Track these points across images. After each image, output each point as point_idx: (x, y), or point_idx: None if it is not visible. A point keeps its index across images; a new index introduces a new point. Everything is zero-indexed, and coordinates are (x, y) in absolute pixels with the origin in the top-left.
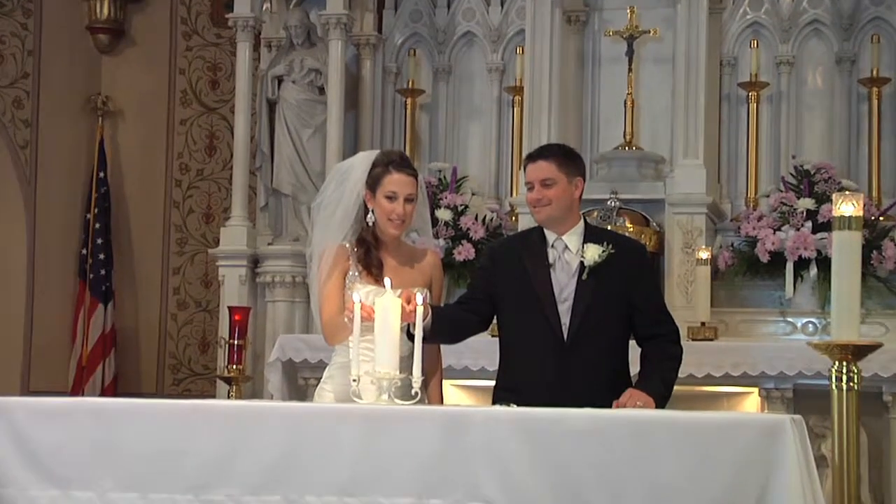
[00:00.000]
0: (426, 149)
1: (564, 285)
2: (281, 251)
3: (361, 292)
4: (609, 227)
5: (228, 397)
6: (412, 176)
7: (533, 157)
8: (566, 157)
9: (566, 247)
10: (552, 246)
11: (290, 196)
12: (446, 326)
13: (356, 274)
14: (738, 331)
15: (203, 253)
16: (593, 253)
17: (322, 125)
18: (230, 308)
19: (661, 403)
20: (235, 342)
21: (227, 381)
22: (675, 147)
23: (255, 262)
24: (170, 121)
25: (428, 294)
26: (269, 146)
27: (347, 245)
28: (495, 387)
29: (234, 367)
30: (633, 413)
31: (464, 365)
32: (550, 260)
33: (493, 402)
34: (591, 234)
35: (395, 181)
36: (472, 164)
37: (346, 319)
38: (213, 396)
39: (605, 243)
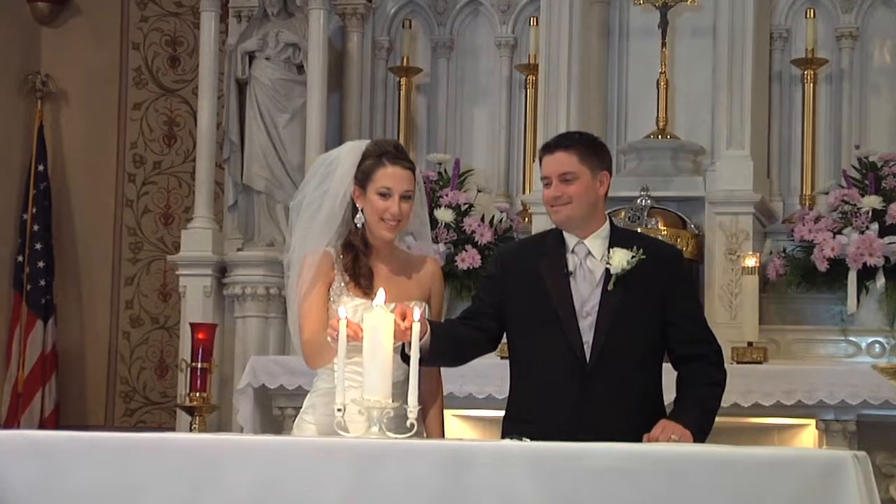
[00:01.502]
0: (423, 137)
1: (586, 297)
2: (253, 258)
3: (348, 307)
4: (639, 230)
5: (191, 430)
6: (409, 169)
7: (550, 147)
8: (590, 148)
9: (589, 252)
10: (572, 251)
11: (263, 193)
12: (447, 346)
13: (342, 285)
14: (791, 352)
15: (161, 260)
16: (621, 259)
17: (301, 110)
18: (192, 325)
19: (700, 437)
20: (199, 365)
21: (189, 411)
22: (717, 135)
23: (222, 270)
24: (121, 104)
25: (426, 309)
26: (239, 135)
27: (332, 251)
28: (504, 417)
29: (198, 394)
30: (666, 449)
31: (467, 392)
32: (570, 267)
33: (503, 436)
34: (619, 238)
35: (390, 175)
36: (477, 156)
37: (328, 338)
38: (173, 429)
39: (634, 248)
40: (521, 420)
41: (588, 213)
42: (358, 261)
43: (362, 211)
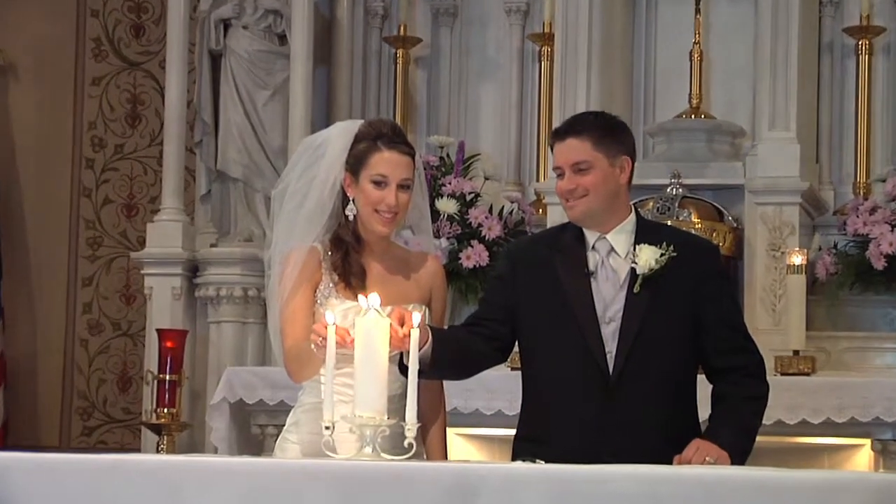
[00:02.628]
0: (423, 117)
1: (610, 301)
2: (228, 255)
3: (337, 310)
4: (669, 223)
5: (157, 451)
6: (408, 155)
7: (560, 133)
8: (606, 131)
9: (611, 249)
10: (593, 248)
11: (240, 181)
12: (451, 357)
13: (331, 286)
14: (843, 362)
15: (123, 257)
16: (648, 257)
17: (283, 86)
18: (160, 331)
19: (738, 459)
20: (167, 377)
21: (156, 429)
22: (759, 115)
23: (193, 269)
24: (78, 80)
25: (427, 313)
26: (213, 114)
27: (319, 247)
28: (516, 437)
29: (166, 410)
30: (700, 472)
31: (474, 407)
32: (591, 266)
33: (514, 457)
34: (646, 232)
35: (386, 161)
36: (484, 139)
37: (313, 346)
38: (138, 450)
39: (663, 244)
40: (535, 440)
41: (608, 205)
42: (348, 258)
43: (354, 201)
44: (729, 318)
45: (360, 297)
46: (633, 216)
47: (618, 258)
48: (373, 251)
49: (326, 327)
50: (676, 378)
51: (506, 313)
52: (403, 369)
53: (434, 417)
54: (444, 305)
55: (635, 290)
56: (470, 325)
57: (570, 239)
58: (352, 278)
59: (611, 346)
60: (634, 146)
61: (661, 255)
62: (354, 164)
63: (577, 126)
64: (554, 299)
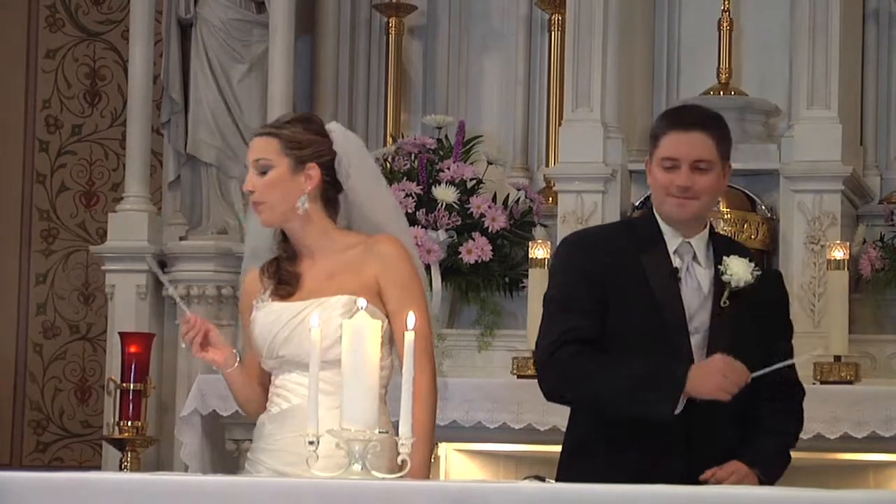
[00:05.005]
0: (419, 94)
1: (695, 310)
2: (200, 249)
3: (267, 314)
4: None
5: (121, 469)
6: (267, 135)
7: (686, 123)
8: (724, 132)
9: (695, 256)
10: (675, 252)
11: (213, 166)
12: None
13: (265, 295)
14: (891, 369)
15: (82, 252)
16: (743, 270)
17: (261, 59)
18: (123, 335)
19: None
20: (131, 387)
21: (119, 444)
22: (796, 91)
23: (160, 265)
24: (30, 52)
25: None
26: (182, 91)
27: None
28: (565, 449)
29: (130, 424)
30: (730, 492)
31: (475, 419)
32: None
33: (558, 474)
34: (721, 244)
35: (250, 149)
36: (487, 118)
37: (183, 344)
38: (98, 467)
39: (748, 259)
40: (594, 452)
41: (709, 212)
42: (279, 264)
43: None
44: (790, 347)
45: (361, 300)
46: (709, 225)
47: (699, 267)
48: (306, 251)
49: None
50: (747, 398)
51: (603, 319)
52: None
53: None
54: (409, 292)
55: (723, 303)
56: (597, 350)
57: (651, 237)
58: (280, 285)
59: (697, 358)
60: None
61: (754, 270)
62: None
63: (705, 121)
64: (642, 301)
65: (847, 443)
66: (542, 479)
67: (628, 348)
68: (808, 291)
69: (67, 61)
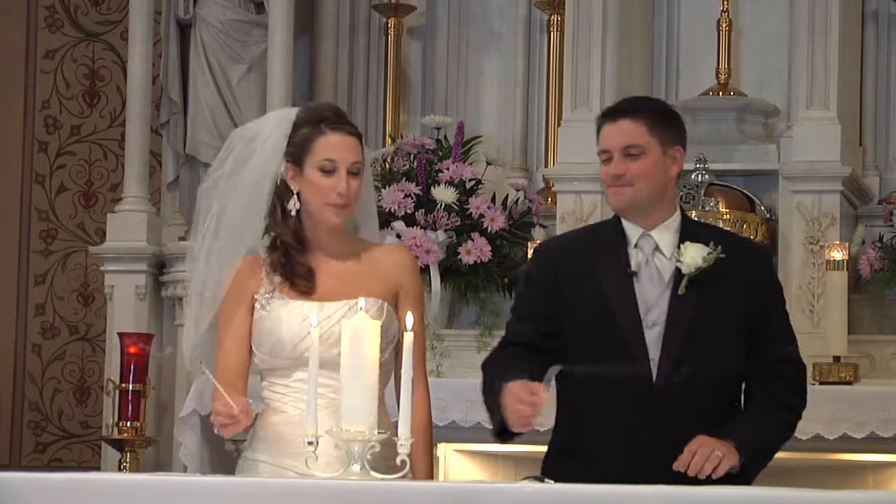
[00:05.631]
0: (418, 95)
1: (653, 302)
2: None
3: (283, 311)
4: (694, 214)
5: (120, 470)
6: (355, 136)
7: (612, 113)
8: (662, 117)
9: (657, 247)
10: (636, 245)
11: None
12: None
13: (272, 288)
14: (890, 369)
15: (81, 252)
16: (694, 255)
17: (260, 59)
18: (122, 336)
19: (750, 457)
20: (130, 387)
21: (118, 445)
22: (795, 92)
23: (159, 265)
24: (30, 53)
25: (388, 310)
26: (181, 92)
27: (263, 254)
28: (549, 450)
29: (129, 424)
30: (730, 493)
31: (474, 420)
32: (634, 266)
33: (544, 471)
34: (692, 232)
35: (333, 144)
36: (486, 119)
37: (216, 429)
38: (98, 468)
39: (710, 244)
40: (571, 456)
41: (656, 197)
42: (290, 258)
43: (298, 195)
44: (782, 329)
45: (361, 299)
46: (678, 214)
47: (663, 258)
48: (322, 247)
49: (226, 407)
50: (725, 388)
51: (552, 324)
52: (505, 436)
53: (418, 432)
54: (420, 304)
55: (680, 292)
56: (520, 358)
57: (611, 236)
58: (297, 280)
59: (654, 353)
60: (686, 137)
61: (709, 254)
62: (297, 152)
63: (632, 107)
64: (595, 303)
65: (846, 443)
66: (542, 480)
67: (585, 351)
68: (807, 292)
69: (66, 62)
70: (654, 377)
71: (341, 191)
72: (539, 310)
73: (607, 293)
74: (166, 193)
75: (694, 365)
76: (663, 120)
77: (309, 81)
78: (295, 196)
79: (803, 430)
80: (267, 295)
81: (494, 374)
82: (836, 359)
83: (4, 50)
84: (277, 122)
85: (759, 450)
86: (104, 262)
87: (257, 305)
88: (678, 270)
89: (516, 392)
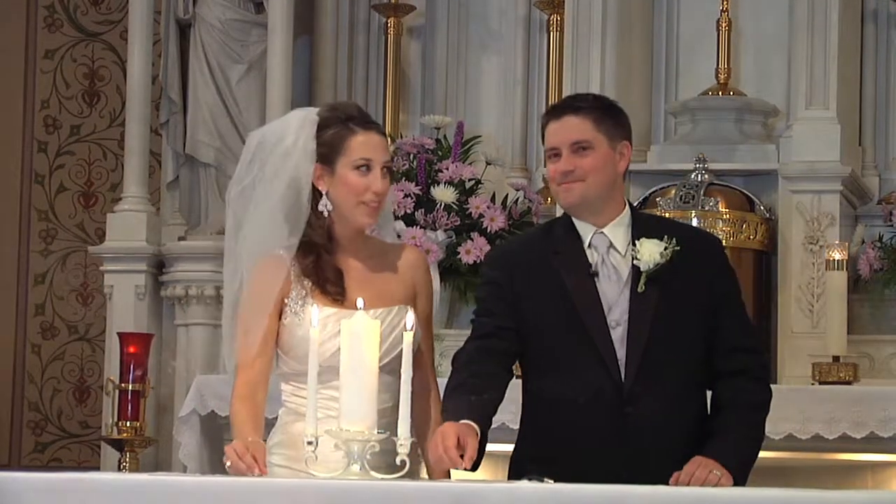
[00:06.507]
0: (417, 95)
1: (613, 302)
2: (199, 250)
3: (316, 319)
4: (694, 213)
5: (119, 469)
6: (383, 135)
7: (556, 111)
8: (607, 111)
9: (611, 245)
10: (590, 245)
11: (212, 167)
12: (493, 411)
13: (304, 293)
14: (889, 369)
15: (80, 252)
16: (651, 252)
17: (260, 59)
18: (121, 335)
19: (741, 475)
20: (129, 387)
21: (118, 445)
22: (794, 92)
23: (159, 265)
24: (29, 52)
25: (412, 316)
26: (181, 92)
27: (285, 254)
28: (515, 456)
29: (128, 424)
30: (726, 494)
31: None
32: (592, 266)
33: (512, 477)
34: (643, 226)
35: (366, 143)
36: (486, 119)
37: (227, 466)
38: (97, 468)
39: (665, 237)
40: (538, 459)
41: (606, 193)
42: (321, 261)
43: (327, 195)
44: (737, 317)
45: (359, 299)
46: (627, 209)
47: (618, 255)
48: (346, 248)
49: (240, 451)
50: (693, 384)
51: (514, 318)
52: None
53: (431, 427)
54: (431, 302)
55: (640, 289)
56: (486, 350)
57: (564, 236)
58: (327, 284)
59: (620, 353)
60: (631, 132)
61: (665, 249)
62: (328, 152)
63: (575, 104)
64: (559, 305)
65: (846, 443)
66: (542, 480)
67: (553, 352)
68: (806, 292)
69: (66, 62)
70: (623, 376)
71: (377, 189)
72: (498, 307)
73: (569, 293)
74: (166, 193)
75: (658, 362)
76: (609, 115)
77: (308, 81)
78: (325, 196)
79: (802, 430)
80: (299, 301)
81: (459, 381)
82: (836, 359)
83: (4, 50)
84: (301, 124)
85: (748, 463)
86: (104, 262)
87: (288, 311)
88: (636, 268)
89: (446, 436)
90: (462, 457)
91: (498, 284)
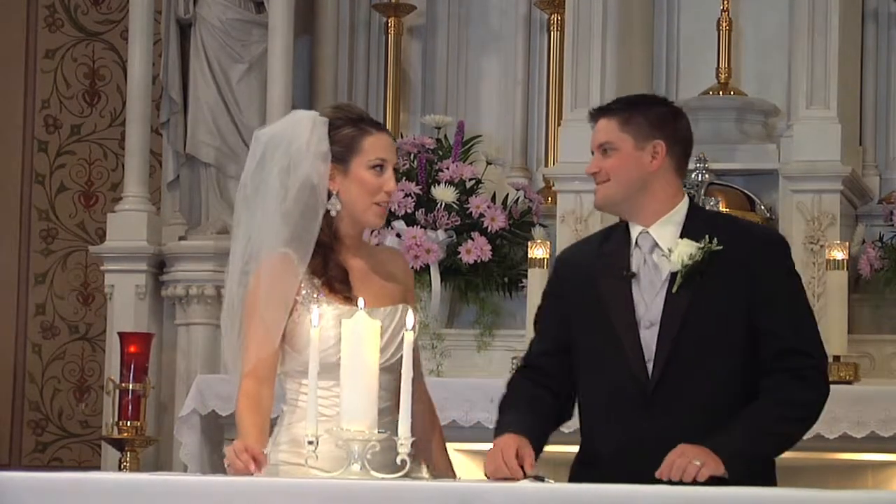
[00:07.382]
0: (418, 95)
1: (650, 302)
2: (199, 249)
3: (328, 316)
4: None
5: (120, 469)
6: (392, 136)
7: (592, 112)
8: (635, 111)
9: (655, 244)
10: (636, 244)
11: (212, 166)
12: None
13: (314, 292)
14: (889, 369)
15: (81, 252)
16: (682, 252)
17: (261, 59)
18: (122, 335)
19: (734, 462)
20: (130, 387)
21: (118, 444)
22: (795, 91)
23: (159, 265)
24: (30, 52)
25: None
26: (181, 91)
27: (292, 253)
28: (574, 460)
29: (129, 423)
30: (731, 493)
31: (475, 419)
32: (634, 267)
33: (570, 480)
34: (696, 223)
35: (381, 143)
36: (486, 118)
37: (227, 466)
38: (98, 468)
39: (707, 236)
40: (586, 463)
41: (633, 193)
42: (328, 260)
43: (337, 195)
44: (785, 319)
45: (360, 299)
46: (682, 206)
47: (660, 254)
48: (349, 248)
49: (239, 453)
50: (729, 388)
51: (559, 343)
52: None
53: (432, 430)
54: (415, 304)
55: (673, 291)
56: (534, 377)
57: (617, 238)
58: (335, 284)
59: (649, 354)
60: (678, 131)
61: (700, 247)
62: (342, 151)
63: (609, 105)
64: (594, 308)
65: (846, 443)
66: (542, 479)
67: (585, 354)
68: (807, 292)
69: (66, 61)
70: (649, 374)
71: (390, 189)
72: (547, 327)
73: (604, 298)
74: (166, 193)
75: (687, 364)
76: (639, 113)
77: (309, 81)
78: (335, 196)
79: None
80: (308, 298)
81: (505, 402)
82: (836, 358)
83: (4, 50)
84: (313, 124)
85: (751, 453)
86: (104, 262)
87: (301, 309)
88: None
89: (505, 449)
90: (522, 467)
91: (553, 296)
